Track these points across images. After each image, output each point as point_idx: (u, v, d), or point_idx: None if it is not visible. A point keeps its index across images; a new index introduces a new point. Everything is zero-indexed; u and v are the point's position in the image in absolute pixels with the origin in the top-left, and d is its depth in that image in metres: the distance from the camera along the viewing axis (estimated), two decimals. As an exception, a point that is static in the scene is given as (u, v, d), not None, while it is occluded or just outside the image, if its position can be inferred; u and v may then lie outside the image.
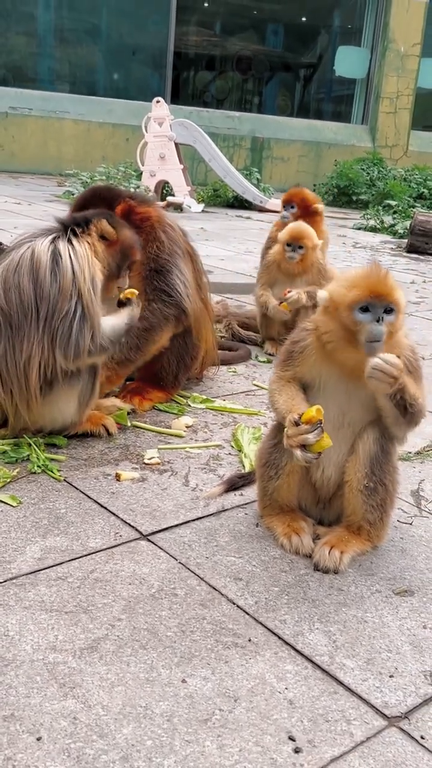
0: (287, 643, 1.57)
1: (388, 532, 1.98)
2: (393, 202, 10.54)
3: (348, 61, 15.32)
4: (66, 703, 1.35)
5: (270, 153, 13.98)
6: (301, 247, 3.49)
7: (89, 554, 1.82)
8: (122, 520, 1.99)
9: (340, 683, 1.47)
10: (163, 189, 9.61)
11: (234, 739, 1.30)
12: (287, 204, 3.92)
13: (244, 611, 1.66)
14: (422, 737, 1.36)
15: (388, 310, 1.74)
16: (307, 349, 1.87)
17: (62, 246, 2.24)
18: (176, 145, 9.33)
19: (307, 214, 3.81)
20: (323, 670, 1.50)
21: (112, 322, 2.34)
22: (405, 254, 7.58)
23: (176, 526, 1.99)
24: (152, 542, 1.90)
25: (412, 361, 1.85)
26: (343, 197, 11.98)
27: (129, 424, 2.60)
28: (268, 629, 1.61)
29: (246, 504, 2.15)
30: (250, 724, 1.34)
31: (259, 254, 4.18)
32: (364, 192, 11.77)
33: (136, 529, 1.95)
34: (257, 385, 3.18)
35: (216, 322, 3.55)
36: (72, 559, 1.79)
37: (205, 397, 2.95)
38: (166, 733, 1.30)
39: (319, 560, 1.85)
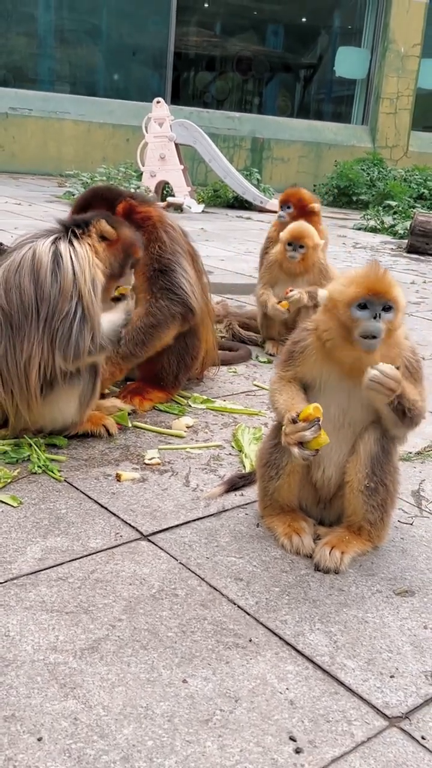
0: (288, 644, 1.57)
1: (389, 533, 1.98)
2: (393, 203, 10.54)
3: (348, 62, 15.33)
4: (67, 703, 1.35)
5: (270, 153, 13.98)
6: (302, 247, 3.49)
7: (90, 554, 1.82)
8: (123, 520, 1.99)
9: (341, 683, 1.47)
10: (164, 189, 9.61)
11: (235, 740, 1.30)
12: (284, 204, 3.93)
13: (245, 611, 1.66)
14: (423, 737, 1.36)
15: (387, 308, 1.74)
16: (307, 349, 1.87)
17: (63, 247, 2.24)
18: (176, 145, 9.33)
19: (304, 213, 3.81)
20: (324, 671, 1.50)
21: (110, 318, 2.34)
22: (405, 255, 7.58)
23: (177, 526, 1.99)
24: (153, 542, 1.90)
25: (412, 362, 1.85)
26: (344, 198, 11.98)
27: (130, 424, 2.60)
28: (269, 629, 1.61)
29: (246, 504, 2.15)
30: (251, 724, 1.34)
31: (258, 255, 4.18)
32: (365, 192, 11.77)
33: (137, 530, 1.95)
34: (258, 386, 3.18)
35: (216, 322, 3.55)
36: (72, 560, 1.79)
37: (205, 397, 2.95)
38: (167, 733, 1.30)
39: (319, 560, 1.85)
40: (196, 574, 1.78)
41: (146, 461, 2.35)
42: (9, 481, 2.14)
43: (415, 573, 1.88)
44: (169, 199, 9.27)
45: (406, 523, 2.12)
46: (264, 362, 3.57)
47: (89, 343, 2.23)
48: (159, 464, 2.35)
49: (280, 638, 1.58)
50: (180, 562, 1.82)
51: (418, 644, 1.61)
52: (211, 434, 2.63)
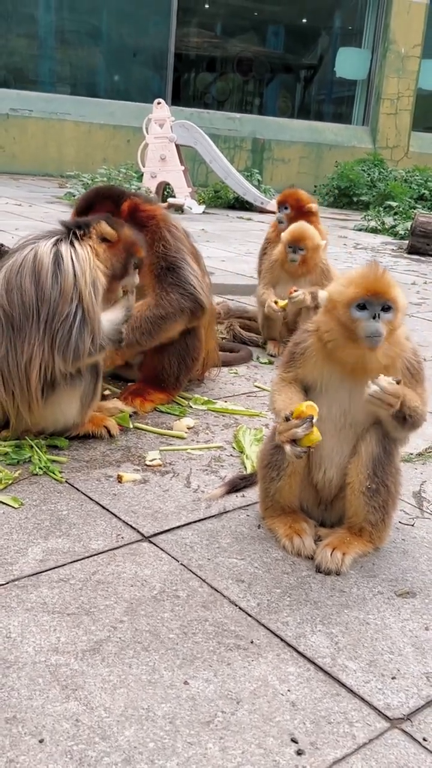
0: (289, 645, 1.57)
1: (390, 534, 1.98)
2: (394, 204, 10.54)
3: (349, 63, 15.33)
4: (68, 705, 1.35)
5: (271, 154, 13.99)
6: (301, 249, 3.50)
7: (91, 556, 1.82)
8: (124, 521, 1.99)
9: (343, 685, 1.47)
10: (164, 190, 9.61)
11: (236, 741, 1.30)
12: (281, 205, 3.94)
13: (246, 613, 1.66)
14: (425, 739, 1.36)
15: (386, 308, 1.75)
16: (308, 350, 1.87)
17: (65, 248, 2.25)
18: (177, 146, 9.33)
19: (302, 214, 3.81)
20: (325, 672, 1.50)
21: (110, 317, 2.35)
22: (406, 255, 7.58)
23: (178, 527, 1.99)
24: (154, 544, 1.90)
25: (414, 363, 1.85)
26: (344, 198, 11.98)
27: (131, 425, 2.60)
28: (271, 631, 1.61)
29: (248, 505, 2.15)
30: (252, 726, 1.34)
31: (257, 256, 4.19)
32: (365, 193, 11.77)
33: (138, 531, 1.95)
34: (258, 387, 3.18)
35: (217, 323, 3.55)
36: (74, 561, 1.79)
37: (206, 398, 2.95)
38: (169, 735, 1.30)
39: (321, 562, 1.85)
40: (197, 575, 1.78)
41: (147, 462, 2.35)
42: (10, 482, 2.14)
43: (416, 574, 1.88)
44: (170, 200, 9.27)
45: (408, 525, 2.12)
46: (265, 363, 3.57)
47: (89, 345, 2.23)
48: (160, 465, 2.35)
49: (282, 640, 1.58)
50: (181, 564, 1.82)
51: (419, 645, 1.60)
52: (212, 435, 2.63)
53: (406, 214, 9.91)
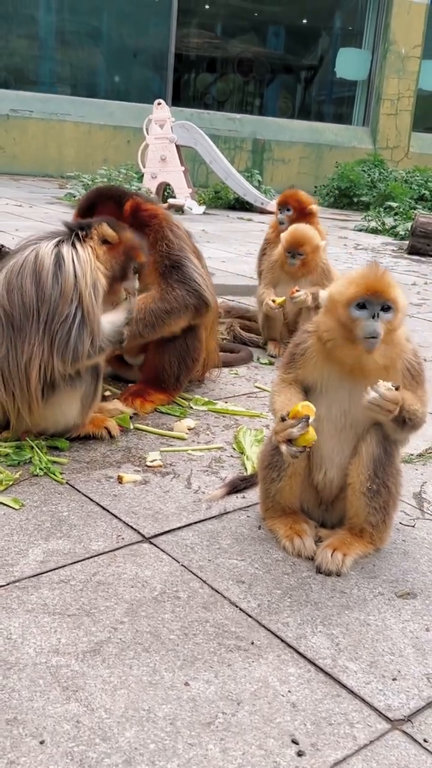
0: (290, 646, 1.57)
1: (391, 535, 1.98)
2: (394, 204, 10.54)
3: (349, 63, 15.33)
4: (69, 706, 1.35)
5: (271, 155, 13.99)
6: (300, 254, 3.49)
7: (92, 557, 1.82)
8: (124, 522, 1.99)
9: (343, 686, 1.47)
10: (165, 191, 9.61)
11: (237, 743, 1.30)
12: (282, 206, 3.92)
13: (247, 614, 1.66)
14: (425, 740, 1.36)
15: (386, 308, 1.75)
16: (308, 351, 1.88)
17: (66, 250, 2.25)
18: (177, 147, 9.33)
19: (303, 215, 3.81)
20: (326, 673, 1.50)
21: (111, 319, 2.35)
22: (406, 256, 7.58)
23: (178, 528, 1.99)
24: (154, 545, 1.90)
25: (414, 364, 1.85)
26: (344, 199, 11.97)
27: (131, 426, 2.60)
28: (271, 632, 1.60)
29: (248, 506, 2.15)
30: (253, 727, 1.34)
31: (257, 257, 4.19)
32: (365, 194, 11.77)
33: (139, 532, 1.95)
34: (259, 387, 3.18)
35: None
36: (74, 562, 1.79)
37: (206, 399, 2.95)
38: (169, 736, 1.30)
39: (321, 563, 1.85)
40: (197, 576, 1.78)
41: (148, 463, 2.35)
42: (11, 483, 2.14)
43: (416, 575, 1.88)
44: (170, 200, 9.27)
45: (408, 525, 2.12)
46: (265, 364, 3.57)
47: (88, 347, 2.23)
48: (161, 466, 2.35)
49: (282, 641, 1.58)
50: (182, 565, 1.82)
51: (420, 647, 1.60)
52: (213, 436, 2.63)
53: (407, 215, 9.91)
